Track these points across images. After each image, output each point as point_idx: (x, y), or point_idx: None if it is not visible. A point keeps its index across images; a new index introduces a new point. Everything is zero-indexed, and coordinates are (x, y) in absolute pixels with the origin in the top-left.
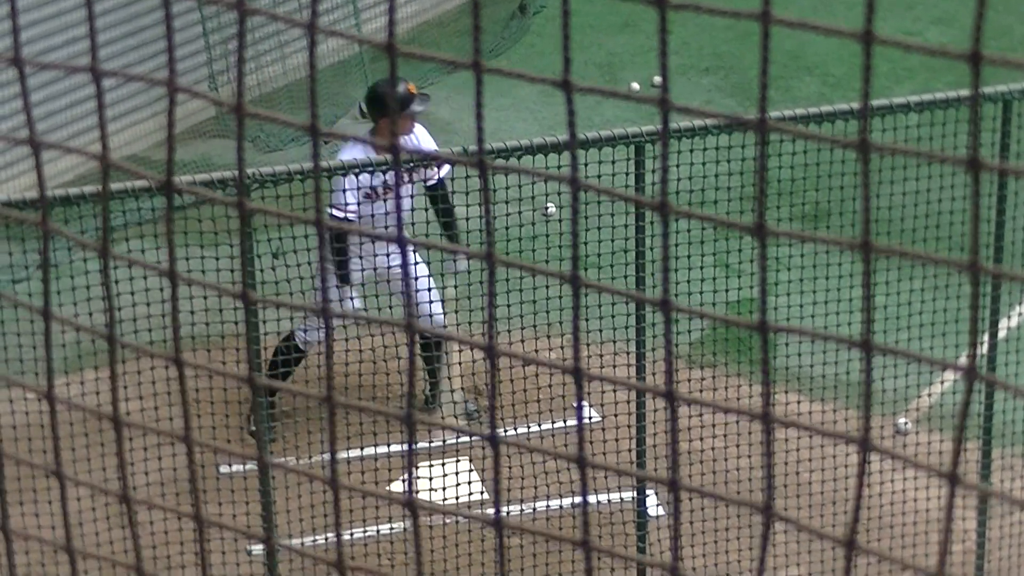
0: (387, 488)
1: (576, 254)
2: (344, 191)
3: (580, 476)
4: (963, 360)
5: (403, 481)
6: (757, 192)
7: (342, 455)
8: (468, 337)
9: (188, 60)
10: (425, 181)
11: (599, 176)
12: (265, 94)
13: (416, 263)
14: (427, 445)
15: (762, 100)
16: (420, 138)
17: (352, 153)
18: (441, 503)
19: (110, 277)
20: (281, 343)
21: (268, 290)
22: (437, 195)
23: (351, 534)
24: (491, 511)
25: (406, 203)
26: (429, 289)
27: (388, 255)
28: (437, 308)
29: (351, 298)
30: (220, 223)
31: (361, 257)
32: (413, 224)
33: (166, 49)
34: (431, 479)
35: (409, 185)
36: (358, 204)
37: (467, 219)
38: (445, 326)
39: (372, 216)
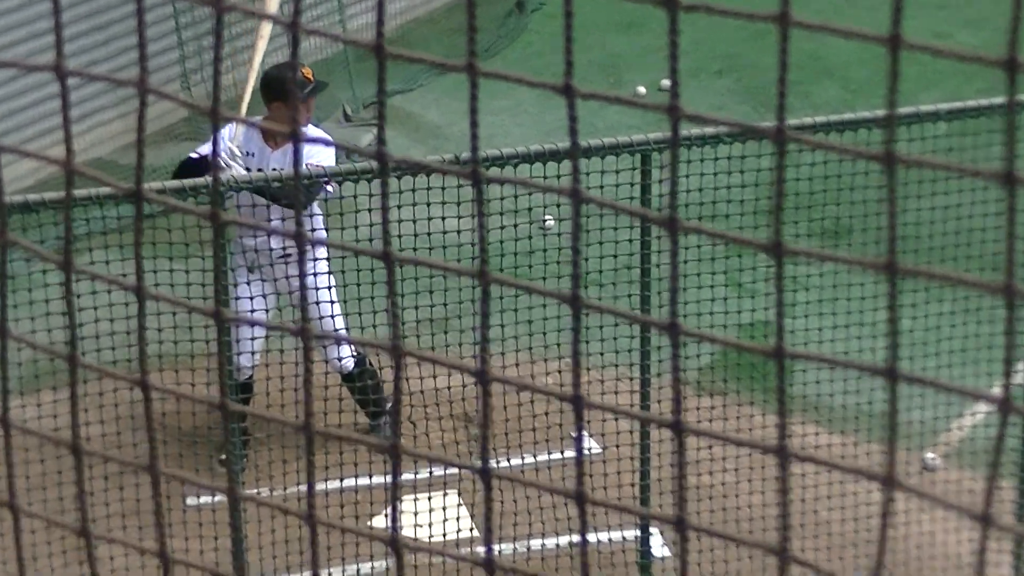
0: (368, 523)
1: (577, 272)
2: (221, 137)
3: (579, 513)
4: (997, 390)
5: (386, 516)
6: (774, 206)
7: (320, 487)
8: (459, 361)
9: (158, 57)
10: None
11: (601, 187)
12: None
13: (320, 271)
14: (412, 477)
15: (780, 107)
16: (322, 148)
17: (226, 129)
18: (427, 540)
19: (72, 291)
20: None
21: (242, 307)
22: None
23: (329, 573)
24: (482, 550)
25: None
26: (332, 302)
27: (286, 263)
28: (341, 323)
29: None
30: (191, 233)
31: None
32: (314, 230)
33: (135, 46)
34: (416, 514)
35: (278, 155)
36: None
37: (458, 232)
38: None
39: (253, 208)
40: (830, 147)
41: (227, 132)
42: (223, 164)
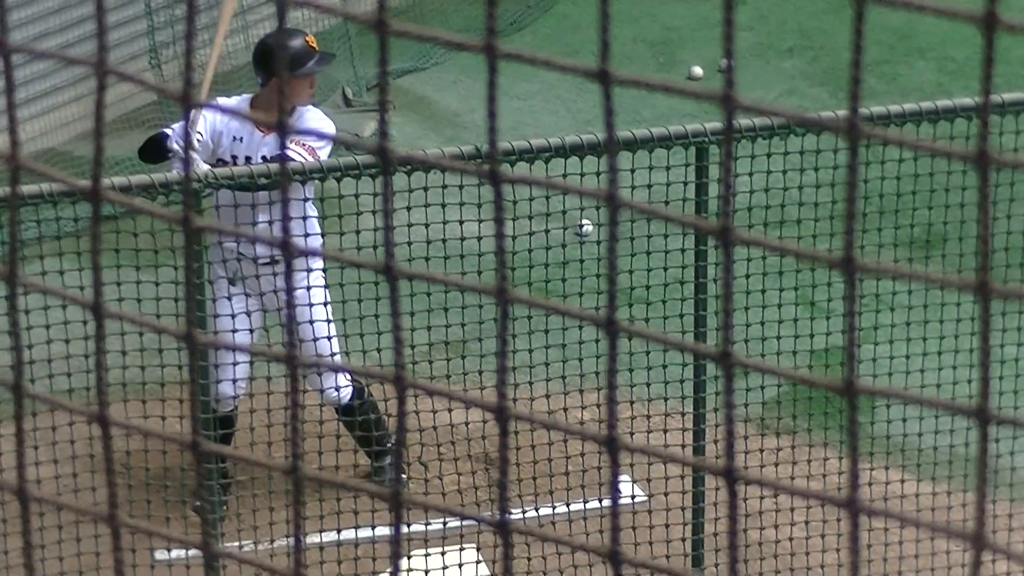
0: None
1: (614, 290)
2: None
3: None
4: None
5: (391, 574)
6: (846, 213)
7: (314, 539)
8: (475, 394)
9: (123, 28)
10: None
11: (649, 187)
12: (223, 72)
13: (314, 283)
14: (424, 528)
15: (854, 96)
16: (312, 120)
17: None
18: None
19: (17, 307)
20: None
21: (223, 325)
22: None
23: None
24: None
25: (300, 206)
26: (327, 320)
27: (274, 272)
28: (336, 346)
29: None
30: (162, 238)
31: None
32: (307, 235)
33: (94, 15)
34: (428, 571)
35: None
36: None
37: (479, 238)
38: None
39: (235, 207)
40: (911, 144)
41: (202, 120)
42: (181, 154)
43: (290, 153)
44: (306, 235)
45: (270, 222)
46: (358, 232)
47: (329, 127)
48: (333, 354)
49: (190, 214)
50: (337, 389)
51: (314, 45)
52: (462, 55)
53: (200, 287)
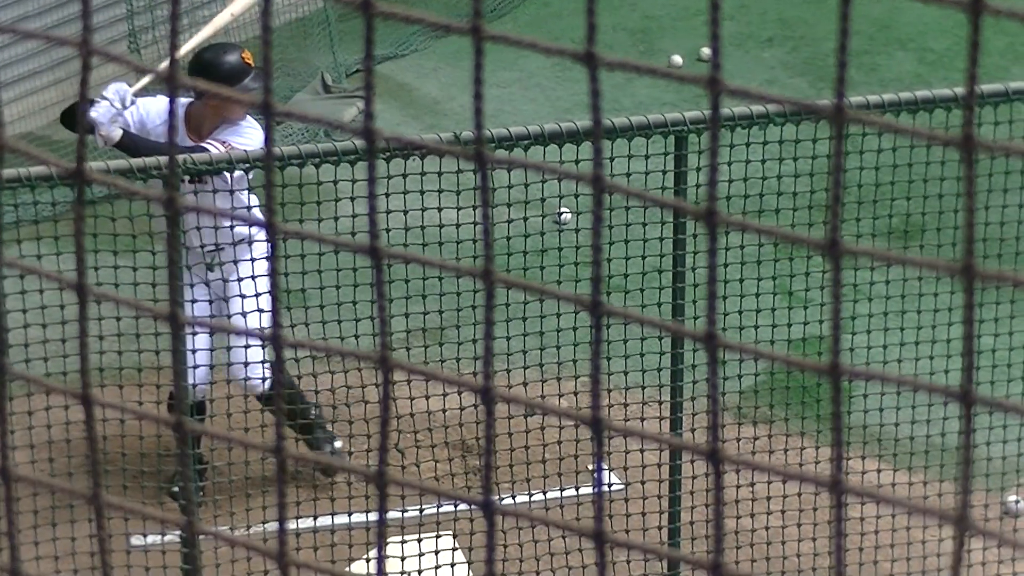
0: (347, 569)
1: (598, 274)
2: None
3: (598, 556)
4: None
5: (367, 560)
6: (831, 198)
7: (290, 526)
8: (457, 376)
9: (101, 13)
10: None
11: (628, 175)
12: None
13: (256, 272)
14: (399, 515)
15: (840, 81)
16: (247, 132)
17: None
18: None
19: (1, 289)
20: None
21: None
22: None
23: None
24: None
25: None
26: (258, 311)
27: (217, 262)
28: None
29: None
30: (139, 223)
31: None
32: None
33: None
34: (403, 559)
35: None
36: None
37: (457, 225)
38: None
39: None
40: (896, 129)
41: (134, 111)
42: (111, 107)
43: (208, 148)
44: (248, 224)
45: (208, 212)
46: (336, 219)
47: (258, 139)
48: (262, 344)
49: (174, 195)
50: (263, 380)
51: (250, 61)
52: (443, 42)
53: (180, 270)
